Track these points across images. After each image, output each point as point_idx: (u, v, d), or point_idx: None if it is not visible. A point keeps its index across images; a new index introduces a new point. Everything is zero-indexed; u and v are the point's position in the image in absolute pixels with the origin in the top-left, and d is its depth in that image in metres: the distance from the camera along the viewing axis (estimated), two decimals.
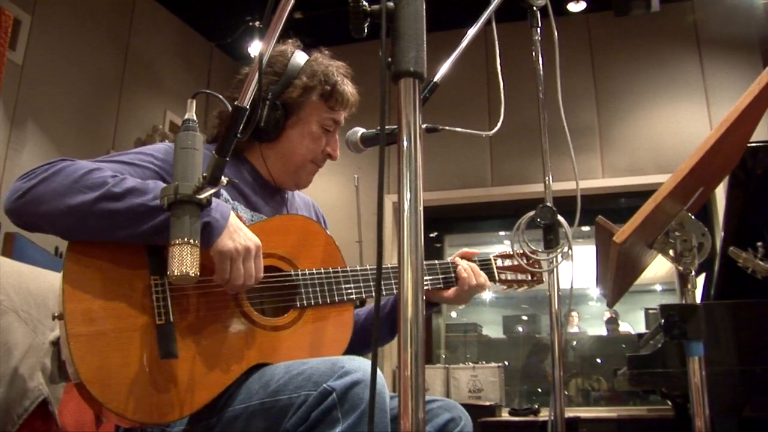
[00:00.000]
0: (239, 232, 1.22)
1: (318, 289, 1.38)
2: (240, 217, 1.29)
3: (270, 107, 1.45)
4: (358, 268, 1.43)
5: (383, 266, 1.46)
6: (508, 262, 1.65)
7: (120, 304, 1.16)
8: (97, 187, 1.15)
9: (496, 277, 1.63)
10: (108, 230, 1.16)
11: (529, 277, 1.65)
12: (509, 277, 1.64)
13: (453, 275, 1.57)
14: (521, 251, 1.59)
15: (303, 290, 1.36)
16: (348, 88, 1.53)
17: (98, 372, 1.11)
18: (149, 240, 1.18)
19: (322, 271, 1.39)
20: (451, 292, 1.57)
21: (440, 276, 1.57)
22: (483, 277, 1.58)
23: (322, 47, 1.58)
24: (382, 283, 1.47)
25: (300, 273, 1.37)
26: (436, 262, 1.57)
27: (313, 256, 1.41)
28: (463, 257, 1.61)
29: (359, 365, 1.14)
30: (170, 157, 1.32)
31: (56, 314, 1.13)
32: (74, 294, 1.13)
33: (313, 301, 1.36)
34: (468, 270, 1.56)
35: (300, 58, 1.51)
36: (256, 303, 1.32)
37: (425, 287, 1.53)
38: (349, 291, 1.41)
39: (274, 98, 1.46)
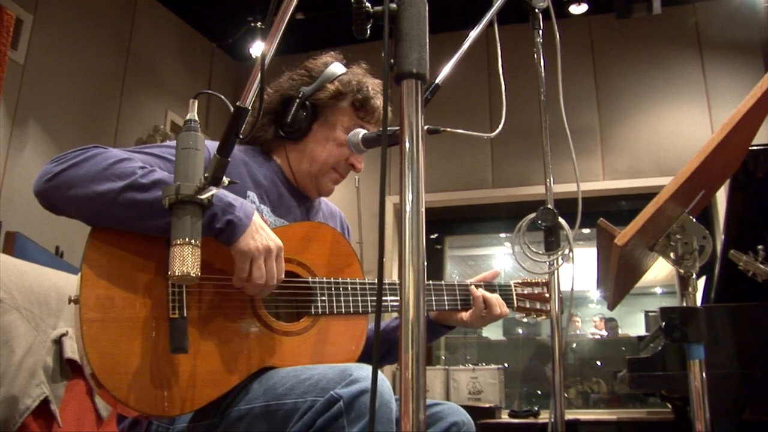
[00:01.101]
0: (261, 232, 1.23)
1: (334, 298, 1.38)
2: (264, 220, 1.29)
3: (298, 105, 1.48)
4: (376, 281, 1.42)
5: (394, 282, 1.46)
6: (528, 290, 1.66)
7: (136, 293, 1.17)
8: (126, 177, 1.16)
9: (515, 304, 1.64)
10: (131, 220, 1.17)
11: (548, 307, 1.65)
12: (528, 305, 1.65)
13: (470, 297, 1.58)
14: (542, 280, 1.60)
15: (318, 298, 1.36)
16: (381, 104, 1.53)
17: (107, 358, 1.11)
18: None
19: (339, 281, 1.40)
20: (467, 314, 1.58)
21: (458, 297, 1.57)
22: (499, 301, 1.59)
23: (361, 61, 1.59)
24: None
25: (317, 280, 1.37)
26: (455, 283, 1.58)
27: (332, 265, 1.41)
28: (482, 281, 1.62)
29: (368, 374, 1.13)
30: None
31: (72, 298, 1.14)
32: (92, 279, 1.14)
33: (327, 310, 1.36)
34: (482, 290, 1.57)
35: (337, 67, 1.54)
36: (271, 306, 1.32)
37: (443, 307, 1.53)
38: (365, 303, 1.41)
39: (304, 98, 1.49)
